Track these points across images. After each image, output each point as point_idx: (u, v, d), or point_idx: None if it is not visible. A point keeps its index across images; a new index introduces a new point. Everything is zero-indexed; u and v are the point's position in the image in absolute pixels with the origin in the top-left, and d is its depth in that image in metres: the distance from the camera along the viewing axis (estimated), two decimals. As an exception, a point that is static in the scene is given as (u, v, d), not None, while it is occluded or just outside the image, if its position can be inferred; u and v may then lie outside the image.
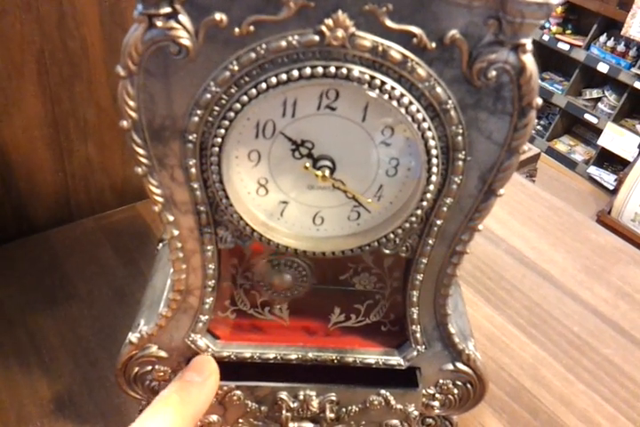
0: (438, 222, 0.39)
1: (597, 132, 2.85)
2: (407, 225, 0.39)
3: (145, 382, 0.47)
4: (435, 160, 0.36)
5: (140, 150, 0.36)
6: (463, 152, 0.36)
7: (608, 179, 2.81)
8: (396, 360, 0.47)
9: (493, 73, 0.33)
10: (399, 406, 0.48)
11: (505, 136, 0.36)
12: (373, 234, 0.41)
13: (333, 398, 0.47)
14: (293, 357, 0.46)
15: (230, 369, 0.46)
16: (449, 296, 0.44)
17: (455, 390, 0.49)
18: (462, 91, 0.34)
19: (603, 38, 2.74)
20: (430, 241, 0.40)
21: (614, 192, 2.62)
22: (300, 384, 0.47)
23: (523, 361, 0.66)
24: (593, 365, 0.66)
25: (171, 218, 0.39)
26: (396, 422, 0.49)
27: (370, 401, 0.47)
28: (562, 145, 3.07)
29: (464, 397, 0.49)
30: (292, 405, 0.47)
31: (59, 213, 0.79)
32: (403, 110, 0.34)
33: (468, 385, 0.48)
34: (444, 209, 0.38)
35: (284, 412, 0.46)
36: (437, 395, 0.49)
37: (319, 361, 0.47)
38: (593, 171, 2.88)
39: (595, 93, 2.92)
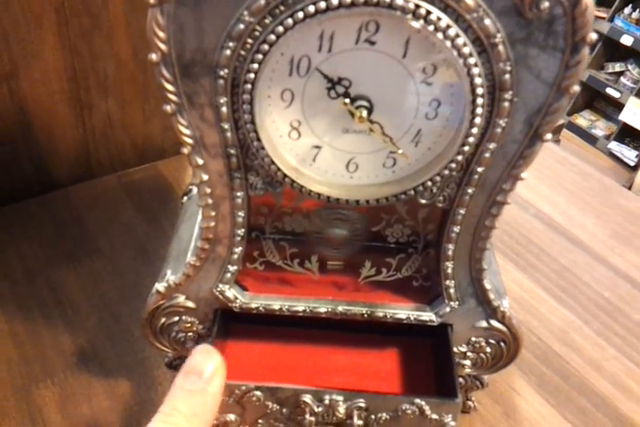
0: (479, 170, 0.37)
1: (619, 106, 2.76)
2: (446, 172, 0.37)
3: (171, 334, 0.47)
4: (480, 100, 0.34)
5: (169, 86, 0.34)
6: (510, 92, 0.34)
7: (629, 155, 2.74)
8: (427, 316, 0.45)
9: (546, 4, 0.30)
10: (435, 417, 0.43)
11: (555, 75, 0.33)
12: (409, 182, 0.39)
13: (362, 405, 0.43)
14: (322, 310, 0.45)
15: (250, 368, 0.44)
16: (486, 250, 0.42)
17: (488, 349, 0.47)
18: (512, 24, 0.32)
19: (627, 10, 2.64)
20: (469, 190, 0.39)
21: (635, 168, 2.57)
22: (326, 389, 0.43)
23: (552, 325, 0.64)
24: (624, 330, 0.65)
25: (200, 161, 0.37)
26: None
27: (402, 410, 0.43)
28: (582, 120, 2.99)
29: (496, 355, 0.48)
30: (316, 409, 0.43)
31: (79, 170, 0.78)
32: (448, 44, 0.32)
33: (502, 344, 0.47)
34: (487, 155, 0.36)
35: (307, 416, 0.43)
36: (469, 353, 0.48)
37: (349, 315, 0.45)
38: (614, 146, 2.81)
39: (617, 67, 2.83)
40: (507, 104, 0.34)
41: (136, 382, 0.54)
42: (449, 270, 0.43)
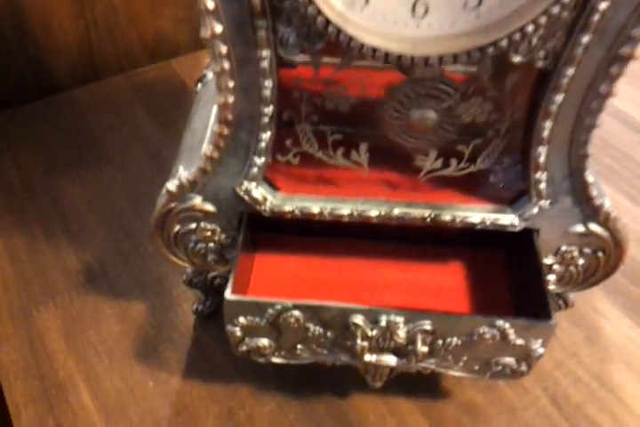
0: (602, 6, 0.27)
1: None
2: (554, 11, 0.27)
3: (188, 244, 0.39)
4: None
5: None
6: None
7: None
8: (508, 219, 0.36)
9: None
10: (519, 342, 0.35)
11: None
12: (499, 30, 0.28)
13: (427, 328, 0.35)
14: (374, 213, 0.36)
15: (284, 284, 0.38)
16: (594, 129, 0.32)
17: (580, 260, 0.38)
18: None
19: None
20: (584, 39, 0.28)
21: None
22: (382, 308, 0.35)
23: (639, 237, 0.54)
24: None
25: (210, 4, 0.27)
26: (509, 360, 0.36)
27: (478, 334, 0.35)
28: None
29: (590, 268, 0.39)
30: (369, 332, 0.35)
31: (83, 70, 0.70)
32: None
33: (599, 253, 0.38)
34: (616, -18, 0.26)
35: (358, 341, 0.35)
36: (556, 266, 0.39)
37: (407, 220, 0.36)
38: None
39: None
40: None
41: (151, 303, 0.48)
42: (541, 159, 0.33)
